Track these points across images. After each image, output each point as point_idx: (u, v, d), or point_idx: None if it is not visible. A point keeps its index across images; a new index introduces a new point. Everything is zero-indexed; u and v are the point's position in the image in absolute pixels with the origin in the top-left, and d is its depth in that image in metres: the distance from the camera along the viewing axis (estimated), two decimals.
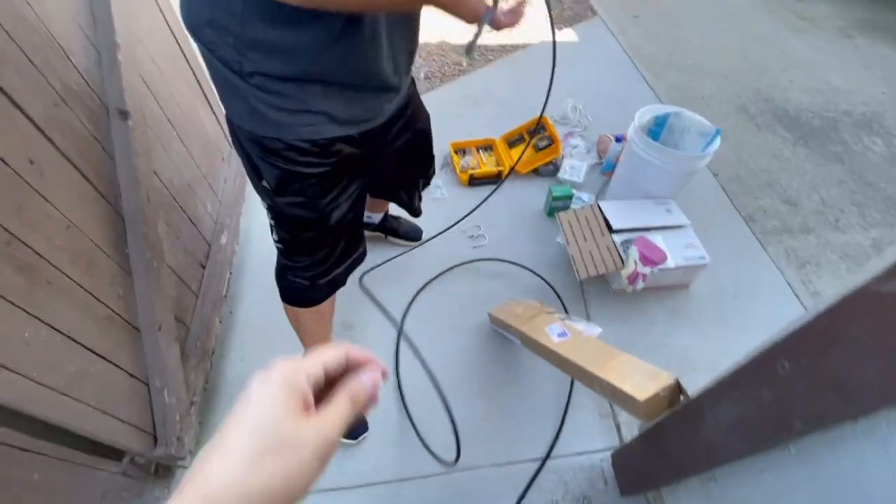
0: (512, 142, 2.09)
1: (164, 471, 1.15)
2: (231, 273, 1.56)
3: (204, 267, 1.40)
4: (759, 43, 3.03)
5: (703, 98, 2.52)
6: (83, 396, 0.88)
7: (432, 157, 1.27)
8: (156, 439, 1.09)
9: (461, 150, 2.08)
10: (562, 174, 1.96)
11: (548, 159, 1.98)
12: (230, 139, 0.95)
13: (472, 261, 1.72)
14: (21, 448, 0.77)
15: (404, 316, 1.54)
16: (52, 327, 0.82)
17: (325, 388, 0.32)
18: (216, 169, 1.58)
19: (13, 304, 0.75)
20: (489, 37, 3.03)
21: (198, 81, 1.51)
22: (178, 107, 1.34)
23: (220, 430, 0.28)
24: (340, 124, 0.87)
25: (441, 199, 1.93)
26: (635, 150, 1.61)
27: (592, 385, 1.04)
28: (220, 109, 1.66)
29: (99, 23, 1.03)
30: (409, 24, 0.89)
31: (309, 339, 1.21)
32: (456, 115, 2.31)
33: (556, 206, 1.78)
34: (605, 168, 1.99)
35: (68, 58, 0.94)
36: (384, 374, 0.35)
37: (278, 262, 1.09)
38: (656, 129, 1.66)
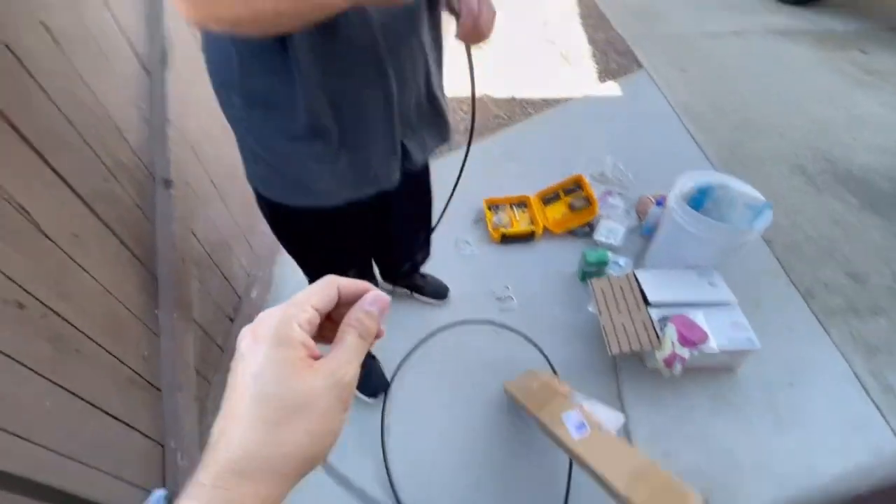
0: (547, 200, 2.05)
1: None
2: None
3: (232, 320, 1.44)
4: (819, 98, 2.86)
5: (755, 157, 2.38)
6: (98, 463, 0.89)
7: (430, 229, 1.30)
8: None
9: (494, 207, 2.07)
10: (598, 236, 1.89)
11: (583, 220, 1.92)
12: None
13: (476, 322, 1.66)
14: None
15: (393, 376, 1.50)
16: (75, 394, 0.85)
17: (327, 325, 0.31)
18: (255, 223, 1.65)
19: (38, 374, 0.78)
20: (530, 90, 3.02)
21: None
22: (221, 168, 1.42)
23: (225, 399, 0.27)
24: (347, 189, 0.86)
25: (471, 256, 1.91)
26: (676, 219, 1.53)
27: (609, 493, 0.94)
28: None
29: (155, 101, 1.12)
30: (419, 73, 0.84)
31: None
32: (491, 170, 2.31)
33: (590, 271, 1.71)
34: (645, 232, 1.90)
35: (122, 135, 1.02)
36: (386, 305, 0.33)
37: None
38: (699, 197, 1.57)
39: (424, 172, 1.13)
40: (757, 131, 2.57)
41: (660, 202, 1.82)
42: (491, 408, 1.44)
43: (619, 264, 1.76)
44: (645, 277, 1.55)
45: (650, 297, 1.48)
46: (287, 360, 0.27)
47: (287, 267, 1.86)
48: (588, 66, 3.28)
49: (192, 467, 1.12)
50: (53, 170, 0.83)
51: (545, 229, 1.96)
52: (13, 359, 0.74)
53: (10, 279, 0.74)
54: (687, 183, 1.56)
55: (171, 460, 1.09)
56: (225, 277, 1.41)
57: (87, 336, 0.89)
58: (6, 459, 0.71)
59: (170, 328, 1.11)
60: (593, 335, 1.59)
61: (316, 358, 0.28)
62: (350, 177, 0.84)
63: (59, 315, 0.82)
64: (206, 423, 1.23)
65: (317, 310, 0.30)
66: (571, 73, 3.18)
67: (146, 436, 1.04)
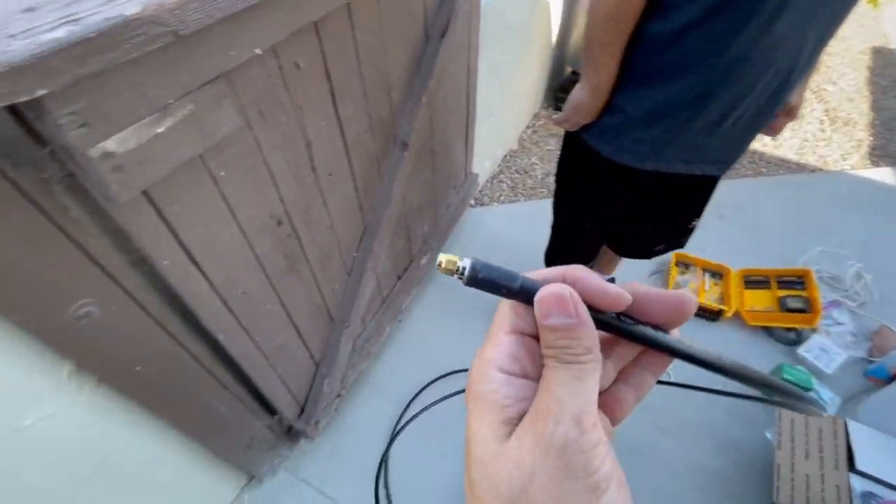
0: (751, 282, 1.74)
1: (294, 437, 1.30)
2: (415, 289, 1.68)
3: (399, 279, 1.54)
4: None
5: None
6: (276, 364, 1.03)
7: (688, 227, 1.20)
8: (301, 412, 1.23)
9: (683, 265, 1.82)
10: (805, 351, 1.54)
11: (793, 325, 1.59)
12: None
13: None
14: (223, 385, 0.94)
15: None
16: (284, 305, 0.98)
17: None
18: (446, 196, 1.72)
19: (270, 281, 0.91)
20: (768, 143, 2.58)
21: (467, 118, 1.64)
22: (443, 140, 1.48)
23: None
24: (654, 159, 0.92)
25: None
26: None
27: None
28: (474, 145, 1.78)
29: (424, 67, 1.19)
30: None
31: None
32: None
33: None
34: (874, 373, 1.49)
35: (389, 94, 1.10)
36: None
37: None
38: None
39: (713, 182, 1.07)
40: None
41: None
42: None
43: (823, 398, 1.42)
44: (860, 434, 1.22)
45: (860, 463, 1.16)
46: (486, 428, 0.19)
47: (453, 243, 1.92)
48: (860, 137, 2.64)
49: (330, 394, 1.24)
50: (338, 115, 0.93)
51: (737, 315, 1.67)
52: (261, 264, 0.86)
53: (281, 199, 0.85)
54: None
55: (318, 383, 1.22)
56: (409, 239, 1.50)
57: (307, 261, 1.01)
58: (233, 344, 0.85)
59: (359, 272, 1.21)
60: (757, 464, 1.32)
61: None
62: (662, 146, 0.90)
63: (298, 238, 0.94)
64: (352, 361, 1.34)
65: (513, 332, 0.21)
66: (834, 139, 2.60)
67: (311, 355, 1.17)
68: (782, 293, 1.66)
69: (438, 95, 1.30)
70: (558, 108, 2.74)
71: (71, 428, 0.73)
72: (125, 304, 0.68)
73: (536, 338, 0.22)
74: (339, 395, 1.31)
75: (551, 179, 2.33)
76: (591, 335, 0.20)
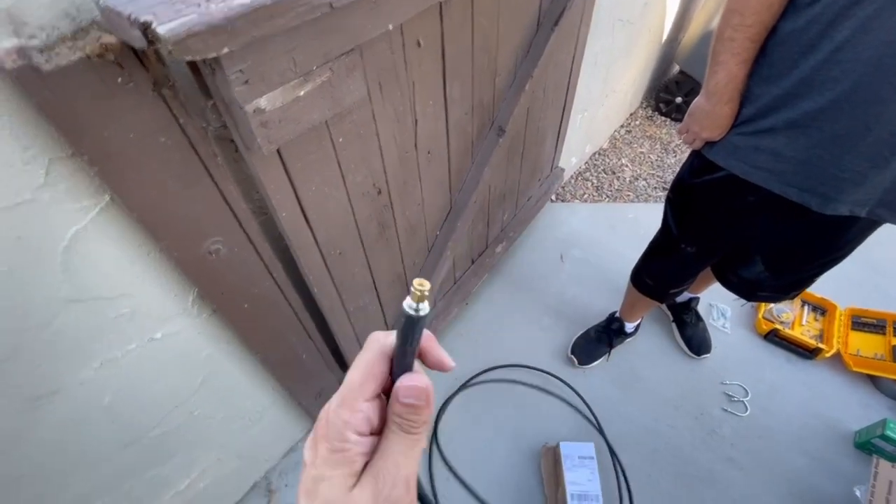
0: (861, 324, 1.55)
1: None
2: (487, 275, 1.70)
3: (473, 262, 1.56)
4: None
5: None
6: (355, 323, 1.10)
7: (806, 277, 1.08)
8: None
9: None
10: None
11: None
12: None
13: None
14: (308, 335, 1.03)
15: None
16: (370, 270, 1.04)
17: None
18: (529, 186, 1.70)
19: (363, 246, 0.97)
20: None
21: (563, 110, 1.60)
22: (537, 130, 1.46)
23: None
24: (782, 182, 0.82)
25: (718, 331, 1.62)
26: None
27: None
28: (564, 137, 1.74)
29: (532, 54, 1.18)
30: None
31: (623, 306, 1.49)
32: None
33: (881, 447, 1.26)
34: None
35: (494, 78, 1.11)
36: (441, 365, 0.28)
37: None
38: None
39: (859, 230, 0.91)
40: None
41: None
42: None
43: None
44: None
45: None
46: (338, 478, 0.24)
47: (530, 234, 1.90)
48: None
49: None
50: (445, 95, 0.96)
51: (837, 356, 1.50)
52: (358, 228, 0.92)
53: (384, 170, 0.90)
54: None
55: None
56: (487, 225, 1.51)
57: (397, 231, 1.06)
58: (324, 298, 0.93)
59: (439, 249, 1.25)
60: None
61: None
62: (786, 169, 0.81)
63: (392, 209, 0.99)
64: None
65: (371, 399, 0.26)
66: None
67: (386, 322, 1.23)
68: None
69: (540, 84, 1.29)
70: (658, 109, 2.59)
71: (188, 346, 0.84)
72: (245, 247, 0.76)
73: (386, 394, 0.27)
74: None
75: (640, 183, 2.22)
76: (430, 414, 0.26)
